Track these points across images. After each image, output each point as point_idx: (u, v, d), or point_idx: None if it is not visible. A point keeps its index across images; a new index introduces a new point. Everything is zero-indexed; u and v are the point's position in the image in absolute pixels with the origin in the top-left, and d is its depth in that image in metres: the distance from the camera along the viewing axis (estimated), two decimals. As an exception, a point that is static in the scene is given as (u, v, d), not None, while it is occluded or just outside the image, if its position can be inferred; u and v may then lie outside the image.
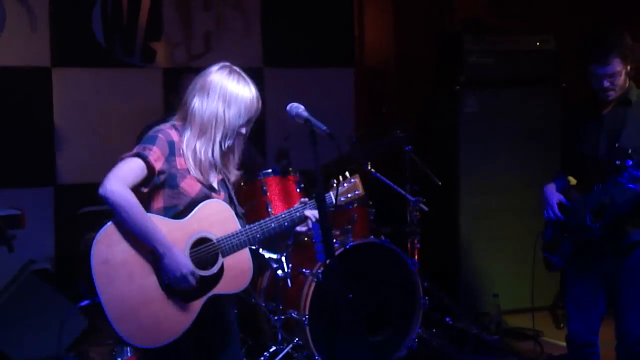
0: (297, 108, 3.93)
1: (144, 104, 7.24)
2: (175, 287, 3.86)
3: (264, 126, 7.67)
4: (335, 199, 4.21)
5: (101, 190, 3.79)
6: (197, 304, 3.92)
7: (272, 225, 4.12)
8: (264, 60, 7.76)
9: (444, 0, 8.24)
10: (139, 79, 7.43)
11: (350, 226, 6.19)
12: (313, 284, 5.88)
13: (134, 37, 7.42)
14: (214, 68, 4.01)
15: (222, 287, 3.99)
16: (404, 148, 6.45)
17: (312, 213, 4.16)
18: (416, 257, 6.43)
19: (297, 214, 4.19)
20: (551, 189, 4.99)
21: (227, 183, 4.16)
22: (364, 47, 8.41)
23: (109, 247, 3.79)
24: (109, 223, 3.82)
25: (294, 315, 5.92)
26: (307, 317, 5.82)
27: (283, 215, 4.16)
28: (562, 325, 7.04)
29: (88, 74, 7.29)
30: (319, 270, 5.89)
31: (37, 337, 6.21)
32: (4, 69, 6.97)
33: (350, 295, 5.20)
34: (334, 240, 5.78)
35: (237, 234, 4.02)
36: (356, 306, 5.90)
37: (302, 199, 4.23)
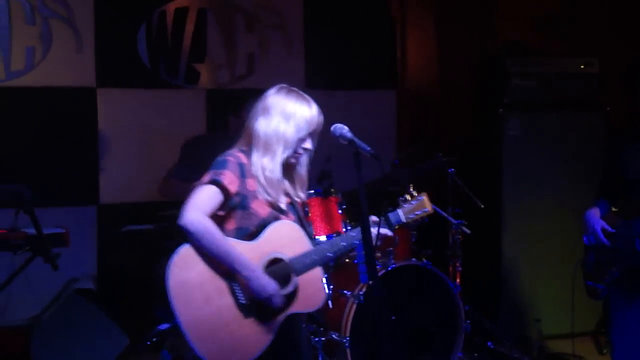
0: (341, 129, 3.98)
1: (187, 125, 7.29)
2: (259, 308, 3.92)
3: (306, 147, 7.68)
4: (409, 214, 4.29)
5: (180, 221, 3.87)
6: (275, 324, 3.99)
7: (342, 243, 4.17)
8: (306, 81, 7.77)
9: (486, 24, 8.22)
10: (183, 100, 7.47)
11: (392, 248, 6.17)
12: (354, 306, 5.87)
13: (178, 58, 7.47)
14: (272, 90, 4.12)
15: (298, 307, 4.05)
16: (446, 170, 6.43)
17: (375, 231, 4.17)
18: (458, 280, 6.40)
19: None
20: (593, 215, 4.94)
21: (296, 205, 4.22)
22: (406, 70, 8.41)
23: (184, 269, 3.87)
24: (184, 246, 3.90)
25: (335, 337, 5.91)
26: (348, 339, 5.81)
27: (353, 234, 4.19)
28: (604, 351, 6.97)
29: (132, 95, 7.35)
30: (361, 292, 5.88)
31: (79, 356, 6.24)
32: (50, 89, 7.04)
33: (392, 318, 5.20)
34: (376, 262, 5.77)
35: (308, 253, 4.08)
36: (397, 329, 5.89)
37: (373, 217, 4.25)
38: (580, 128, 7.43)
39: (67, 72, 7.10)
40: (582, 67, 7.46)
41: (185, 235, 3.88)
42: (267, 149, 4.02)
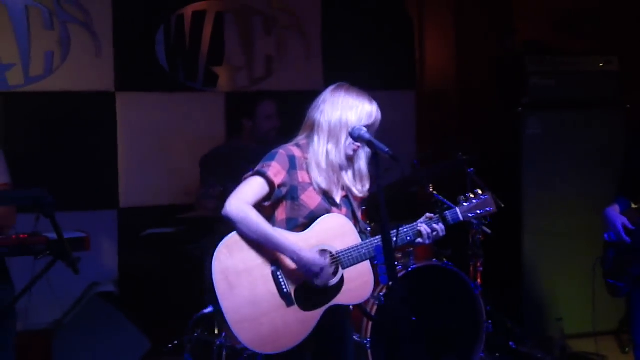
0: (359, 130, 4.02)
1: (206, 128, 7.30)
2: (304, 292, 4.00)
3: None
4: (471, 212, 4.36)
5: (223, 211, 3.98)
6: (317, 314, 4.03)
7: (393, 238, 4.15)
8: (325, 83, 7.74)
9: (504, 22, 8.19)
10: (202, 103, 7.48)
11: (412, 248, 6.16)
12: (375, 307, 5.86)
13: (197, 61, 7.48)
14: (332, 87, 4.24)
15: (342, 298, 4.10)
16: (466, 170, 6.41)
17: (428, 228, 4.22)
18: (479, 280, 6.37)
19: (419, 227, 4.24)
20: (613, 212, 4.91)
21: (351, 200, 4.25)
22: (425, 70, 8.39)
23: (229, 256, 3.95)
24: (231, 234, 4.00)
25: (356, 339, 5.89)
26: (369, 340, 5.79)
27: (405, 230, 4.22)
28: (627, 350, 6.93)
29: (151, 98, 7.36)
30: (381, 293, 5.87)
31: (101, 359, 6.26)
32: (69, 94, 7.07)
33: (413, 318, 5.19)
34: (396, 263, 5.77)
35: (357, 247, 4.11)
36: (418, 329, 5.88)
37: (428, 214, 4.30)
38: (599, 126, 7.40)
39: (86, 76, 7.12)
40: (601, 65, 7.43)
41: (229, 224, 3.98)
42: (332, 135, 4.09)
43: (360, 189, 4.25)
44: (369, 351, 5.77)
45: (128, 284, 7.15)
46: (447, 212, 4.31)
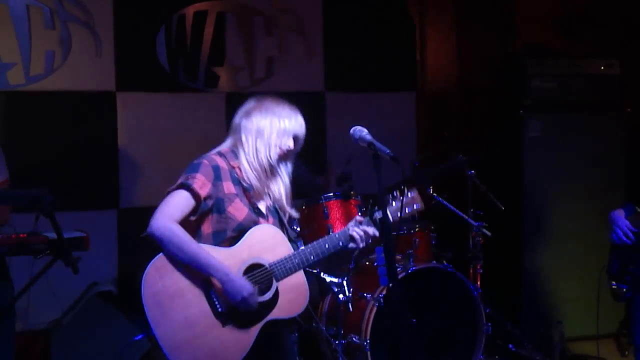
0: (360, 131, 3.98)
1: (207, 128, 7.29)
2: (237, 311, 3.89)
3: (325, 150, 7.69)
4: (401, 211, 4.21)
5: (148, 229, 3.92)
6: (254, 331, 3.94)
7: (326, 246, 4.13)
8: (325, 84, 7.76)
9: (506, 25, 8.19)
10: (202, 104, 7.48)
11: (412, 251, 6.16)
12: (374, 309, 5.85)
13: (198, 62, 7.48)
14: (257, 96, 4.24)
15: (278, 312, 4.01)
16: (466, 172, 6.41)
17: (360, 231, 4.15)
18: (479, 282, 6.37)
19: (350, 232, 4.18)
20: (618, 215, 4.93)
21: (278, 209, 4.21)
22: (426, 71, 8.40)
23: (159, 279, 3.86)
24: (159, 256, 3.90)
25: (355, 340, 5.89)
26: (368, 341, 5.79)
27: (337, 235, 4.16)
28: (626, 353, 6.94)
29: (152, 99, 7.36)
30: (381, 295, 5.86)
31: (99, 359, 6.25)
32: (70, 93, 7.06)
33: (413, 321, 5.18)
34: (396, 265, 5.76)
35: (289, 257, 4.05)
36: (418, 332, 5.87)
37: (357, 217, 4.23)
38: (600, 129, 7.39)
39: (86, 76, 7.11)
40: (602, 68, 7.43)
41: (155, 243, 3.89)
42: (252, 146, 4.08)
43: (283, 203, 4.23)
44: (368, 353, 5.77)
45: (127, 284, 7.14)
46: (376, 213, 4.19)
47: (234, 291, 3.85)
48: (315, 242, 4.14)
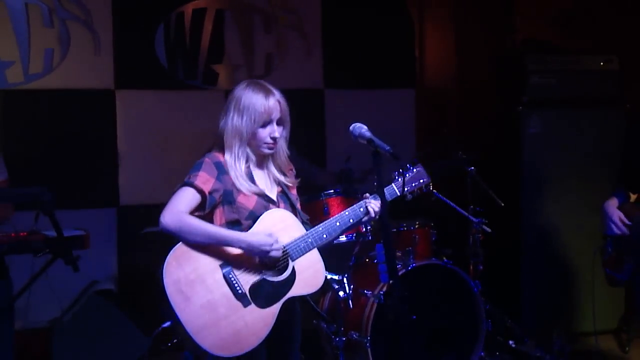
0: (360, 128, 4.01)
1: (206, 126, 7.20)
2: (257, 292, 4.01)
3: (325, 147, 7.69)
4: (403, 188, 4.37)
5: (160, 225, 4.00)
6: (275, 309, 4.05)
7: (337, 223, 4.24)
8: (324, 81, 7.76)
9: (505, 21, 8.18)
10: (202, 101, 7.47)
11: (412, 247, 6.16)
12: (375, 305, 5.86)
13: (196, 59, 7.48)
14: (236, 87, 4.24)
15: (297, 290, 4.13)
16: (466, 169, 6.41)
17: (374, 205, 4.27)
18: (479, 279, 6.37)
19: (360, 209, 4.31)
20: (611, 206, 4.95)
21: (288, 193, 4.29)
22: (425, 68, 8.39)
23: (178, 267, 3.95)
24: (176, 246, 3.99)
25: (356, 337, 5.89)
26: (368, 338, 5.79)
27: (347, 213, 4.28)
28: (627, 349, 6.94)
29: (151, 96, 7.36)
30: (381, 292, 5.86)
31: (100, 357, 6.25)
32: (69, 91, 7.07)
33: (413, 317, 5.18)
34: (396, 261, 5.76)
35: (303, 237, 4.16)
36: (418, 328, 5.87)
37: (365, 194, 4.34)
38: (600, 125, 7.38)
39: (85, 74, 7.11)
40: (601, 64, 7.42)
41: (171, 237, 3.99)
42: (230, 145, 4.15)
43: (289, 179, 4.31)
44: (369, 350, 5.78)
45: (127, 282, 7.15)
46: (385, 188, 4.30)
47: (259, 247, 3.97)
48: (327, 221, 4.24)
